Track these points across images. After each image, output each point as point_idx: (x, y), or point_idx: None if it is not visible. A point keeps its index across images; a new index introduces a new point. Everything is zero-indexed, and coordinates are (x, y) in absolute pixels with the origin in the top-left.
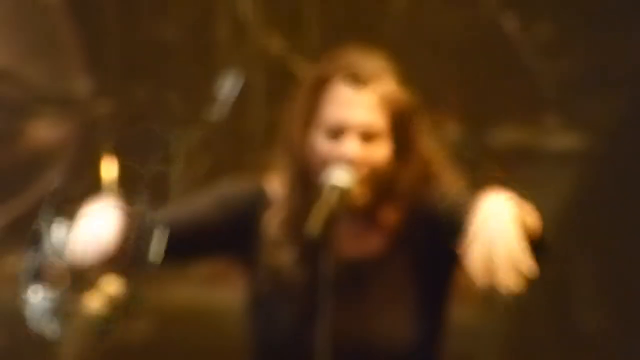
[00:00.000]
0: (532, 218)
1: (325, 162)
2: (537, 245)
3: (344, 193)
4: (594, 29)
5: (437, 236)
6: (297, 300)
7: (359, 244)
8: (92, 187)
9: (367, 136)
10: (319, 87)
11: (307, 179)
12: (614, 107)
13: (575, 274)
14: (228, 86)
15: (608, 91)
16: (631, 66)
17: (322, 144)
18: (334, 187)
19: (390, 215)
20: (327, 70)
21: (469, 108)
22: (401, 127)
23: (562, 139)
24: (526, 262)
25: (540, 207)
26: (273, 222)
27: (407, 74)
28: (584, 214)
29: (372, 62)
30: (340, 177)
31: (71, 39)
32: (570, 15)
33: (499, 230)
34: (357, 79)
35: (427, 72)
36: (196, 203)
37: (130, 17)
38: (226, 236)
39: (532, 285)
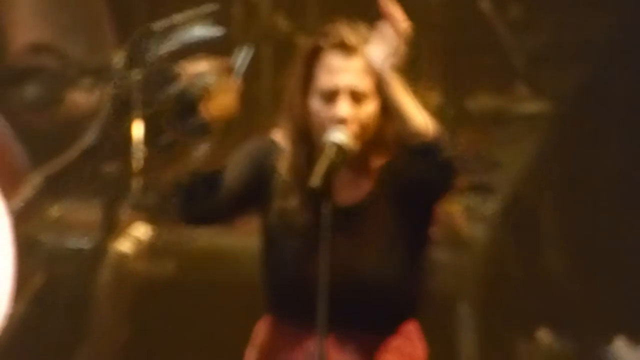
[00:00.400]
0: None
1: (322, 122)
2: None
3: (341, 149)
4: (558, 9)
5: (414, 179)
6: (301, 238)
7: (351, 190)
8: (122, 146)
9: (357, 97)
10: (312, 57)
11: (306, 136)
12: (574, 77)
13: (542, 219)
14: (242, 58)
15: (569, 64)
16: (589, 42)
17: (318, 107)
18: (333, 145)
19: (377, 162)
20: (319, 41)
21: (450, 78)
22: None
23: (530, 105)
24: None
25: (513, 161)
26: (282, 169)
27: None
28: (549, 167)
29: (357, 33)
30: (337, 136)
31: (104, 16)
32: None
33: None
34: (345, 48)
35: (411, 44)
36: (231, 169)
37: None
38: (249, 191)
39: (501, 225)
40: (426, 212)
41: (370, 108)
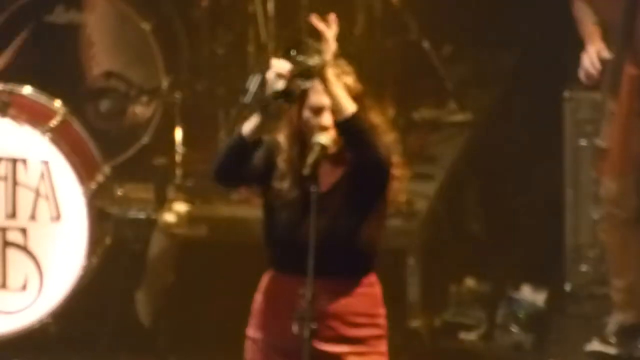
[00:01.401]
0: (345, 97)
1: (311, 128)
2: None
3: (324, 147)
4: (477, 48)
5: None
6: (291, 210)
7: (329, 175)
8: (170, 147)
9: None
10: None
11: (300, 138)
12: (489, 96)
13: (467, 196)
14: (254, 82)
15: (486, 87)
16: (500, 71)
17: (309, 117)
18: (319, 144)
19: (345, 154)
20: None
21: (401, 97)
22: (356, 103)
23: (458, 116)
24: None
25: (446, 156)
26: (279, 161)
27: (363, 73)
28: (473, 159)
29: (340, 67)
30: (322, 138)
31: (157, 52)
32: (463, 39)
33: None
34: (322, 75)
35: (376, 72)
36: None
37: (194, 38)
38: (264, 167)
39: (438, 200)
40: (378, 190)
41: None
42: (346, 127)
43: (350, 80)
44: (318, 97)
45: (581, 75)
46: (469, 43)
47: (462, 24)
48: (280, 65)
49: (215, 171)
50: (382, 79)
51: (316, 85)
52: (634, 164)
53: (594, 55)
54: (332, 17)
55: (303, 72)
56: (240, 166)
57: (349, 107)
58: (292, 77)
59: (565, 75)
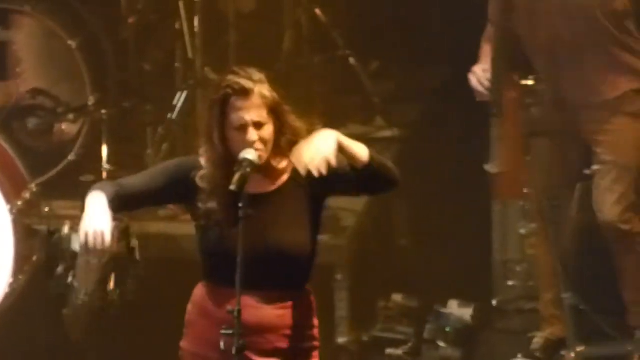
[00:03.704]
0: (358, 144)
1: (238, 146)
2: (368, 161)
3: (251, 162)
4: (404, 64)
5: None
6: (221, 227)
7: (261, 186)
8: (97, 164)
9: (259, 126)
10: (223, 103)
11: (224, 157)
12: (416, 112)
13: (395, 212)
14: (181, 99)
15: (412, 103)
16: (426, 87)
17: (234, 136)
18: (247, 160)
19: (278, 165)
20: (226, 90)
21: (329, 113)
22: (276, 113)
23: (386, 132)
24: (328, 153)
25: None
26: (202, 182)
27: (291, 89)
28: (401, 175)
29: (250, 77)
30: (248, 154)
31: (84, 69)
32: (388, 57)
33: (317, 137)
34: (244, 92)
35: (302, 89)
36: (151, 172)
37: (121, 55)
38: (170, 190)
39: (366, 216)
40: (323, 202)
41: (268, 129)
42: (370, 169)
43: (265, 89)
44: (240, 115)
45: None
46: (395, 59)
47: (389, 40)
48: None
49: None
50: (310, 95)
51: (235, 103)
52: (530, 185)
53: (479, 73)
54: None
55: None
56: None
57: (363, 150)
58: None
59: None
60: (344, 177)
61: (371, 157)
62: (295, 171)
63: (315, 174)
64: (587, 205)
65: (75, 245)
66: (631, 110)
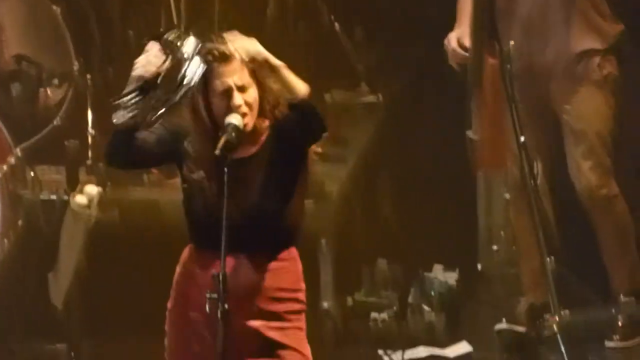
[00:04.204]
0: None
1: (223, 111)
2: (305, 96)
3: (236, 127)
4: (388, 32)
5: (287, 138)
6: (206, 191)
7: (242, 149)
8: (82, 130)
9: (242, 89)
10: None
11: (209, 123)
12: (398, 79)
13: (380, 180)
14: (166, 65)
15: (395, 70)
16: (409, 55)
17: (218, 102)
18: (230, 124)
19: (261, 128)
20: (205, 55)
21: (313, 80)
22: (258, 75)
23: (368, 98)
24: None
25: (358, 139)
26: (189, 146)
27: (275, 56)
28: (383, 141)
29: (227, 43)
30: (233, 119)
31: (67, 35)
32: (373, 25)
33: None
34: (224, 57)
35: (288, 57)
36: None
37: (105, 22)
38: (169, 150)
39: (350, 182)
40: (301, 160)
41: (252, 93)
42: (302, 106)
43: (244, 52)
44: (223, 80)
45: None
46: (380, 27)
47: (374, 8)
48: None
49: (106, 154)
50: (294, 62)
51: (217, 69)
52: (509, 154)
53: (453, 40)
54: None
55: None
56: (129, 150)
57: (302, 87)
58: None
59: None
60: (288, 119)
61: (308, 97)
62: (272, 130)
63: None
64: (563, 173)
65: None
66: (597, 77)
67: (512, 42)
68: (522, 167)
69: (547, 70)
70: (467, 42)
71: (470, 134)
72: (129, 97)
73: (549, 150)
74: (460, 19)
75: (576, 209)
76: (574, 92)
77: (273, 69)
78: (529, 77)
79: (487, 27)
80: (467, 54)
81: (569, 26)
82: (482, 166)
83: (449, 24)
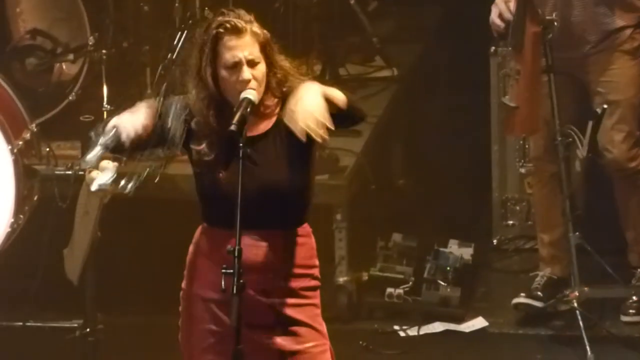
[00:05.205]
0: (338, 93)
1: (232, 85)
2: (345, 108)
3: (251, 102)
4: (402, 3)
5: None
6: (221, 166)
7: (252, 127)
8: (97, 104)
9: (252, 63)
10: (215, 41)
11: (216, 98)
12: (413, 53)
13: (393, 152)
14: (182, 40)
15: (410, 44)
16: (423, 27)
17: (226, 75)
18: (245, 99)
19: (270, 104)
20: (218, 29)
21: (328, 54)
22: (267, 52)
23: (384, 72)
24: (321, 114)
25: (372, 111)
26: (197, 122)
27: (289, 30)
28: (397, 113)
29: (241, 17)
30: (248, 94)
31: (82, 10)
32: None
33: (305, 94)
34: (236, 30)
35: (302, 31)
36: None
37: None
38: (174, 128)
39: (364, 156)
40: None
41: (261, 68)
42: (347, 113)
43: (255, 27)
44: (231, 53)
45: (491, 26)
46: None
47: None
48: None
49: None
50: (308, 36)
51: (228, 42)
52: (541, 121)
53: (502, 5)
54: None
55: None
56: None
57: (341, 96)
58: None
59: (490, 31)
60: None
61: (348, 102)
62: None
63: (319, 140)
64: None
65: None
66: (630, 47)
67: (555, 13)
68: (554, 136)
69: (582, 42)
70: (509, 11)
71: (506, 100)
72: None
73: (579, 120)
74: None
75: (599, 182)
76: (608, 63)
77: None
78: (565, 48)
79: None
80: (502, 25)
81: (607, 3)
82: (514, 132)
83: None
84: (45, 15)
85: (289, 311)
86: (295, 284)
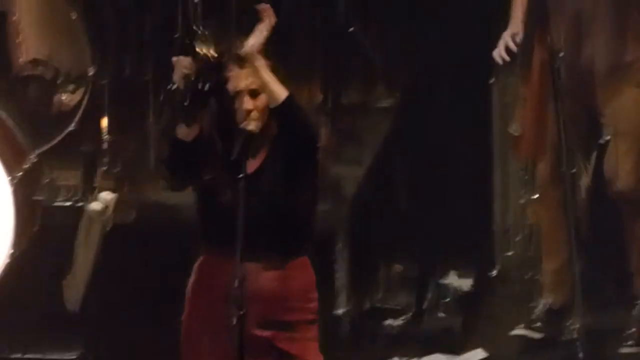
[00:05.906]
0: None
1: (234, 115)
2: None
3: (251, 133)
4: (402, 32)
5: (297, 141)
6: (223, 195)
7: (255, 158)
8: (97, 134)
9: (253, 93)
10: (218, 70)
11: (222, 126)
12: (414, 81)
13: (395, 180)
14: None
15: (411, 70)
16: (422, 57)
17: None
18: (246, 130)
19: (270, 130)
20: (221, 58)
21: (329, 82)
22: (248, 61)
23: (385, 100)
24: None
25: (373, 140)
26: (199, 150)
27: (291, 59)
28: (399, 140)
29: (244, 46)
30: (249, 125)
31: (84, 39)
32: (388, 22)
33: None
34: (239, 59)
35: (303, 58)
36: None
37: (122, 24)
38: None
39: (366, 184)
40: (309, 163)
41: (263, 98)
42: (282, 111)
43: (258, 57)
44: (236, 83)
45: (495, 56)
46: (395, 21)
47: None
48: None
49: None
50: (309, 63)
51: (232, 71)
52: (548, 147)
53: (507, 38)
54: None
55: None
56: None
57: (281, 92)
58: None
59: (492, 60)
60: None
61: (288, 100)
62: (276, 136)
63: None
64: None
65: None
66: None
67: (563, 39)
68: (560, 162)
69: (593, 71)
70: (518, 39)
71: (511, 130)
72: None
73: (587, 149)
74: (512, 18)
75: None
76: (619, 94)
77: (255, 68)
78: (574, 76)
79: (540, 21)
80: (508, 59)
81: (620, 34)
82: (521, 152)
83: (466, 14)
84: (46, 45)
85: (284, 345)
86: (293, 317)
